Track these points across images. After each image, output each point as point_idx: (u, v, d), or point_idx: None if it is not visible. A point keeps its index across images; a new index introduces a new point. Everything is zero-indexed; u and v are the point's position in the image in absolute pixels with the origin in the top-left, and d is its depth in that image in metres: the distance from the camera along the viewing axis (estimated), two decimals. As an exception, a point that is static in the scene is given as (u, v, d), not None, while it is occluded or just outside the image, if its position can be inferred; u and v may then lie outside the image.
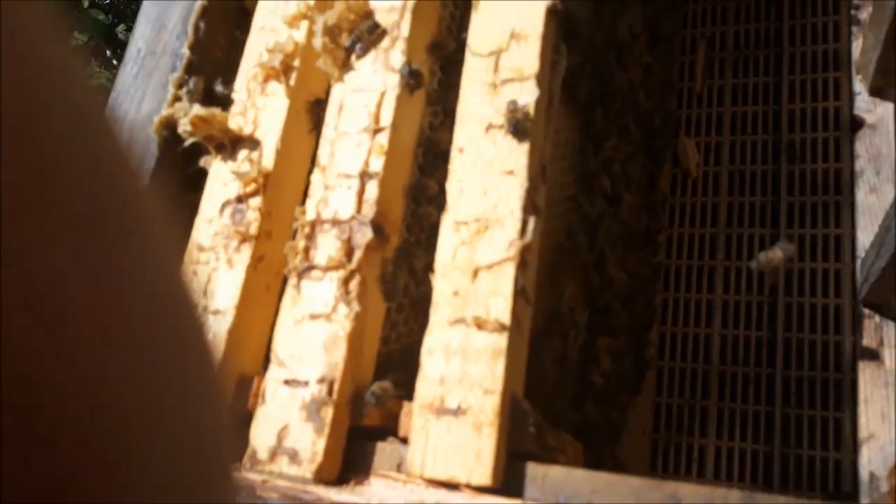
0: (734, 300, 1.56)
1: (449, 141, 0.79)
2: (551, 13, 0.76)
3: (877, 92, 1.43)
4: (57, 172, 0.16)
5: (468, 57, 0.78)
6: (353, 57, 0.82)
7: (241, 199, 0.80)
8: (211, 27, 0.88)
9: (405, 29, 0.81)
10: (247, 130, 0.83)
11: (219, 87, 0.85)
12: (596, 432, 0.96)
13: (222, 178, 0.82)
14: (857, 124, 1.47)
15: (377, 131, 0.78)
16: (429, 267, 0.75)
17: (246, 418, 0.73)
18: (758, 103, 1.73)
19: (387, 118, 0.78)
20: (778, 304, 1.53)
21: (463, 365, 0.65)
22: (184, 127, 0.80)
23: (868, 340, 1.24)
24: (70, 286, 0.16)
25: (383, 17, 0.82)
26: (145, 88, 0.86)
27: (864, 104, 1.45)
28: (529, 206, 0.69)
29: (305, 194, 0.82)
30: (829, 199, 1.61)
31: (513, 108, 0.71)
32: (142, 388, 0.18)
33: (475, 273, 0.68)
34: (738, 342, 1.53)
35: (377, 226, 0.74)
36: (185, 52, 0.85)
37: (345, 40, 0.81)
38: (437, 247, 0.71)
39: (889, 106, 1.43)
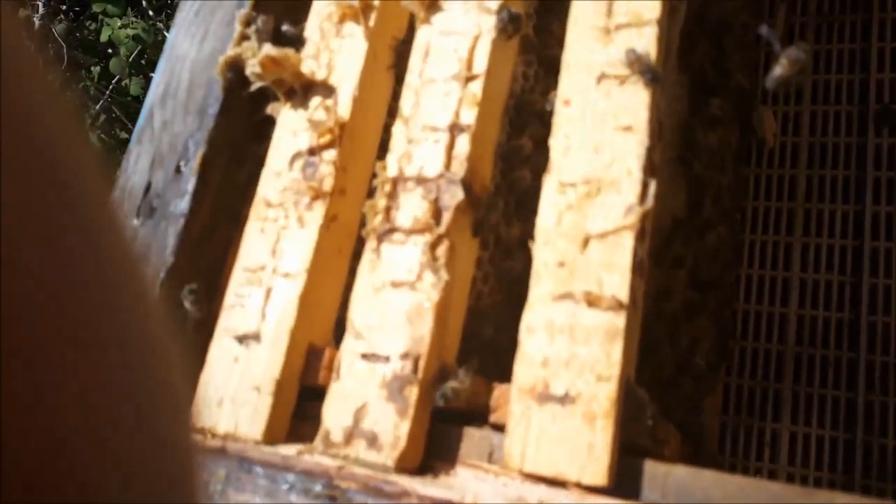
0: (813, 278, 1.46)
1: (543, 95, 0.70)
2: None
3: None
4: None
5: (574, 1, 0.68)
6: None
7: (313, 152, 0.72)
8: None
9: None
10: (320, 75, 0.74)
11: (288, 27, 0.77)
12: (683, 418, 0.87)
13: (292, 128, 0.74)
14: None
15: (469, 79, 0.69)
16: (520, 239, 0.67)
17: (317, 393, 0.66)
18: (842, 72, 1.59)
19: (481, 65, 0.69)
20: (862, 284, 1.42)
21: (570, 346, 0.57)
22: (252, 69, 0.72)
23: None
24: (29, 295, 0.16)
25: None
26: (208, 26, 0.78)
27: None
28: (649, 167, 0.60)
29: (382, 148, 0.74)
30: (919, 175, 1.49)
31: (632, 58, 0.62)
32: (100, 398, 0.18)
33: (585, 242, 0.59)
34: (816, 323, 1.42)
35: (468, 185, 0.65)
36: None
37: None
38: (539, 210, 0.62)
39: None
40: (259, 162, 0.75)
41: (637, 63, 0.62)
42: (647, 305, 0.69)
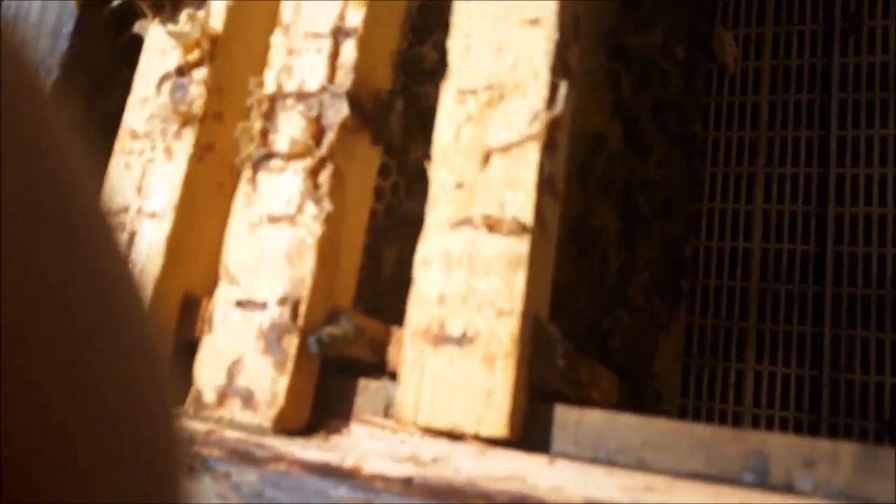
0: (777, 210, 1.38)
1: None
2: None
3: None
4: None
5: None
6: None
7: (181, 72, 0.62)
8: None
9: None
10: None
11: None
12: (629, 360, 0.80)
13: (160, 46, 0.64)
14: None
15: None
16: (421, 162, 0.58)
17: (193, 348, 0.57)
18: (806, -10, 1.49)
19: None
20: (828, 214, 1.35)
21: (469, 279, 0.48)
22: None
23: None
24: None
25: None
26: None
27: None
28: (559, 67, 0.51)
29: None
30: (887, 97, 1.40)
31: None
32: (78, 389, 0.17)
33: (486, 157, 0.50)
34: (780, 256, 1.35)
35: (355, 99, 0.56)
36: None
37: None
38: (436, 124, 0.53)
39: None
40: (128, 90, 0.65)
41: None
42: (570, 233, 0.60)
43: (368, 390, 0.53)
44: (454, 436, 0.47)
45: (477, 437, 0.46)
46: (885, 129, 1.33)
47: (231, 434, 0.49)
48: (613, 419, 0.45)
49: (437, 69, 0.65)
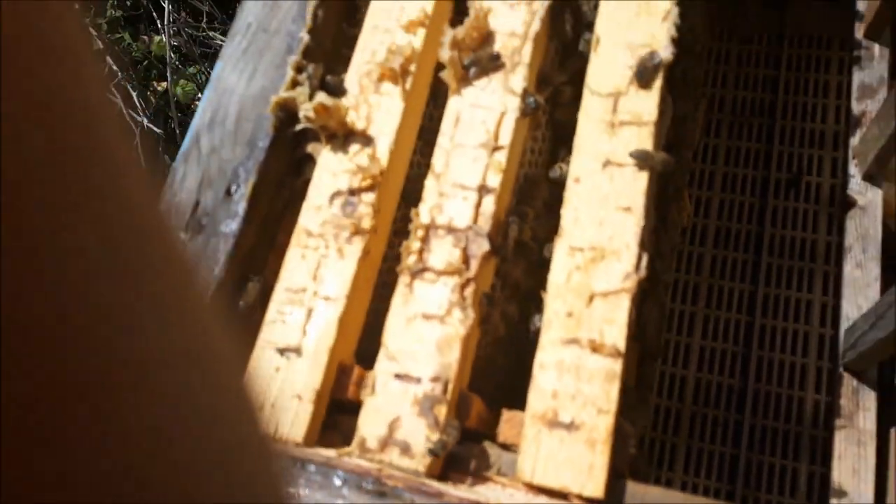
0: (710, 346, 1.67)
1: (544, 168, 0.84)
2: (667, 67, 0.82)
3: (869, 178, 1.57)
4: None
5: (586, 94, 0.83)
6: (472, 73, 0.85)
7: (353, 193, 0.82)
8: (327, 16, 0.90)
9: (526, 56, 0.85)
10: (360, 125, 0.85)
11: (330, 77, 0.87)
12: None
13: (332, 169, 0.84)
14: (849, 204, 1.60)
15: (496, 149, 0.82)
16: (515, 285, 0.80)
17: (344, 406, 0.75)
18: (748, 167, 1.86)
19: (505, 138, 0.82)
20: (751, 355, 1.65)
21: (576, 383, 0.70)
22: (305, 112, 0.82)
23: (845, 401, 1.35)
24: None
25: (504, 41, 0.86)
26: (256, 65, 0.87)
27: (857, 186, 1.59)
28: (644, 243, 0.74)
29: (402, 195, 0.85)
30: (804, 266, 1.75)
31: (634, 153, 0.77)
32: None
33: (591, 298, 0.73)
34: (710, 386, 1.63)
35: (492, 238, 0.77)
36: (304, 36, 0.86)
37: (465, 56, 0.85)
38: (552, 268, 0.75)
39: (878, 192, 1.57)
40: (294, 192, 0.84)
41: (637, 156, 0.77)
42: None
43: (484, 454, 0.72)
44: (561, 495, 0.67)
45: (580, 497, 0.66)
46: (800, 292, 1.65)
47: (398, 473, 0.67)
48: (668, 494, 0.67)
49: (534, 220, 0.87)
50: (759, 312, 1.69)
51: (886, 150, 1.47)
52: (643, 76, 0.81)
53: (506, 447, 0.72)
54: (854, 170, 1.61)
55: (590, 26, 0.90)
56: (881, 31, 1.74)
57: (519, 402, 0.73)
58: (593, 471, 0.66)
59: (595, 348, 0.71)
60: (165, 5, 2.05)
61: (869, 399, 1.31)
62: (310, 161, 0.86)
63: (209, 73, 0.95)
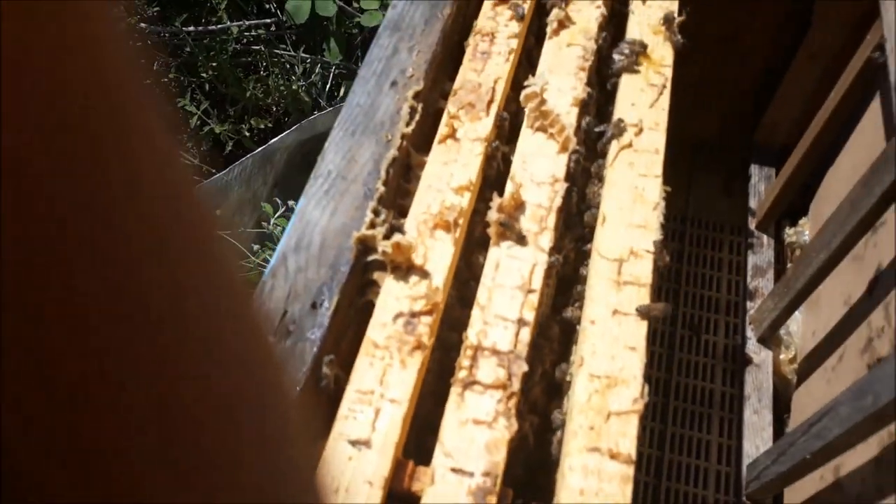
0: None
1: (550, 309, 1.06)
2: (660, 244, 1.09)
3: (763, 341, 1.91)
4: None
5: (596, 256, 1.07)
6: (509, 232, 1.08)
7: (413, 315, 1.00)
8: (394, 174, 1.12)
9: (551, 222, 1.10)
10: (418, 262, 1.05)
11: (394, 221, 1.07)
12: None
13: (395, 294, 1.02)
14: (746, 361, 1.92)
15: (529, 292, 1.03)
16: (535, 402, 1.00)
17: (402, 497, 0.90)
18: (657, 322, 2.18)
19: (537, 284, 1.04)
20: (661, 486, 1.89)
21: (598, 483, 0.89)
22: (383, 248, 1.01)
23: None
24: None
25: (533, 210, 1.11)
26: (337, 205, 1.06)
27: (753, 347, 1.92)
28: (645, 375, 0.97)
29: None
30: (703, 411, 2.05)
31: (641, 308, 1.01)
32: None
33: (608, 416, 0.93)
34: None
35: (529, 362, 0.98)
36: (381, 188, 1.07)
37: (505, 218, 1.08)
38: (574, 390, 0.96)
39: (770, 353, 1.90)
40: (356, 308, 1.02)
41: (641, 310, 1.01)
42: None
43: None
44: None
45: None
46: (721, 437, 1.93)
47: None
48: None
49: (553, 347, 1.09)
50: (668, 448, 1.95)
51: (778, 320, 1.81)
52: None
53: None
54: (750, 333, 1.95)
55: (595, 206, 1.17)
56: (768, 226, 2.15)
57: (531, 494, 0.92)
58: None
59: (612, 456, 0.91)
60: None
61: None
62: (372, 286, 1.04)
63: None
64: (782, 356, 1.95)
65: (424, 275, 1.05)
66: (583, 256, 1.17)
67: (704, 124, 2.37)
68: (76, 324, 0.15)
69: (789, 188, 2.04)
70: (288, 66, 3.23)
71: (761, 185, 2.23)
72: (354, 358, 0.97)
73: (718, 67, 2.26)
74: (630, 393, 0.96)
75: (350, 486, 0.88)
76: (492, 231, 1.08)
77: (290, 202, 2.57)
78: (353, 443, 0.91)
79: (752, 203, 2.19)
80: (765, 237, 2.16)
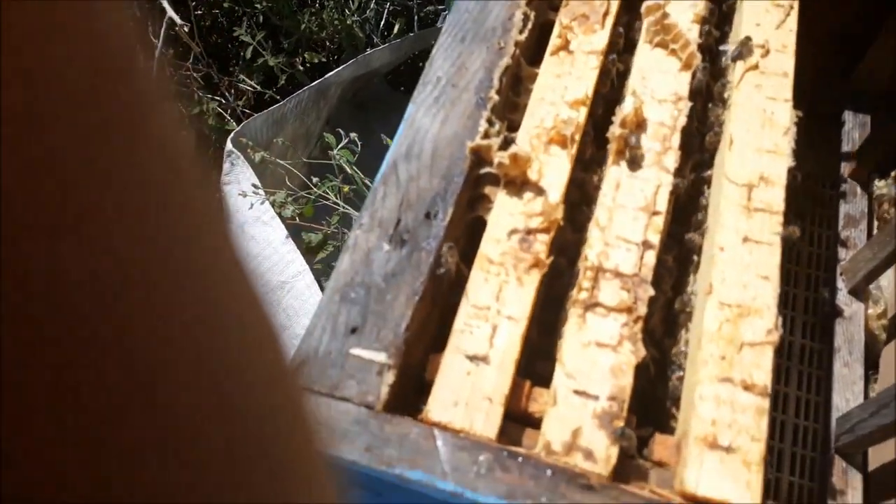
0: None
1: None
2: (791, 170, 1.00)
3: (854, 293, 1.82)
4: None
5: (724, 181, 1.00)
6: (632, 149, 1.01)
7: (529, 232, 0.94)
8: (505, 84, 1.05)
9: (675, 142, 1.02)
10: (533, 178, 0.98)
11: (505, 134, 1.00)
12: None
13: (508, 209, 0.96)
14: (837, 313, 1.83)
15: (654, 213, 0.96)
16: (653, 330, 0.93)
17: (518, 417, 0.85)
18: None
19: (662, 206, 0.97)
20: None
21: (731, 414, 0.83)
22: (500, 159, 0.95)
23: (836, 480, 1.54)
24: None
25: (655, 129, 1.03)
26: (448, 113, 1.00)
27: (844, 298, 1.83)
28: (780, 306, 0.90)
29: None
30: (782, 363, 1.96)
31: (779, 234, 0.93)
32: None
33: (740, 347, 0.87)
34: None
35: (655, 284, 0.91)
36: (495, 97, 1.00)
37: (627, 134, 1.01)
38: (705, 317, 0.89)
39: (861, 305, 1.81)
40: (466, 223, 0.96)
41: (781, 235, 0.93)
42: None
43: (640, 468, 0.83)
44: None
45: None
46: (786, 387, 1.85)
47: (592, 473, 0.78)
48: None
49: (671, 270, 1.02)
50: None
51: (875, 271, 1.72)
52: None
53: (658, 464, 0.84)
54: (841, 284, 1.85)
55: (716, 128, 1.08)
56: (861, 175, 2.04)
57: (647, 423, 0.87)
58: (750, 486, 0.79)
59: (747, 387, 0.84)
60: None
61: (856, 479, 1.50)
62: (483, 200, 0.98)
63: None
64: (870, 311, 1.86)
65: (539, 191, 0.98)
66: (700, 182, 1.09)
67: (797, 69, 2.24)
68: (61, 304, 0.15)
69: (886, 135, 1.92)
70: (343, 0, 3.15)
71: (855, 133, 2.11)
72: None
73: (814, 10, 2.13)
74: (764, 324, 0.89)
75: (469, 402, 0.83)
76: (612, 148, 1.01)
77: (353, 134, 2.51)
78: (471, 358, 0.86)
79: (846, 149, 2.07)
80: (857, 186, 2.05)
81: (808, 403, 1.94)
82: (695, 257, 1.04)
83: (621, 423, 0.82)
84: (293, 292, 2.01)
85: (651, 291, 0.90)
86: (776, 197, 0.98)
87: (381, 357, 0.85)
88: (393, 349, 0.85)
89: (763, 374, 0.85)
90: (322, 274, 1.95)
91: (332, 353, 0.85)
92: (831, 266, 1.97)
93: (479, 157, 0.97)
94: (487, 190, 0.99)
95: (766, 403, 0.83)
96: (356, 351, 0.86)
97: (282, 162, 2.40)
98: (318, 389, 0.83)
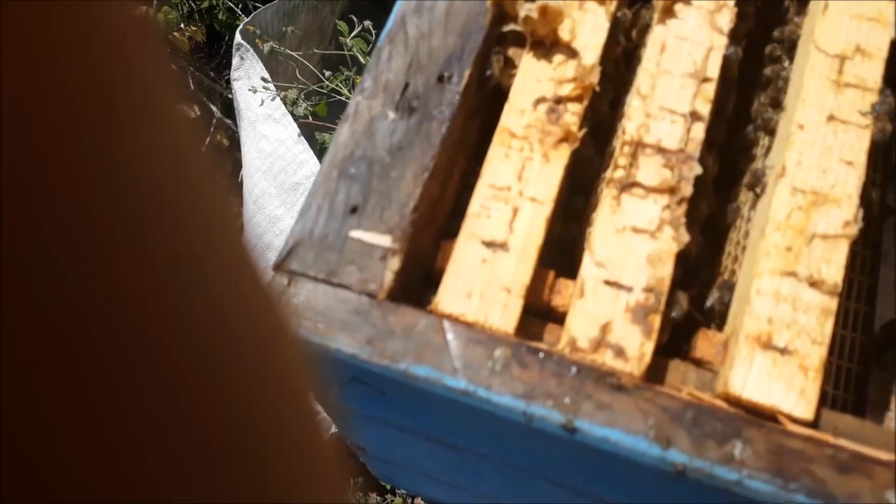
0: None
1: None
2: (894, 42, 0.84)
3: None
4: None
5: (813, 50, 0.83)
6: (677, 6, 0.86)
7: (559, 101, 0.80)
8: None
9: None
10: (564, 38, 0.84)
11: None
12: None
13: (535, 75, 0.82)
14: (888, 212, 1.68)
15: (705, 80, 0.82)
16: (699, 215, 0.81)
17: (539, 311, 0.74)
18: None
19: (713, 72, 0.83)
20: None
21: (792, 313, 0.71)
22: (527, 12, 0.80)
23: (876, 392, 1.43)
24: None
25: None
26: None
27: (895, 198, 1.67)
28: (863, 197, 0.76)
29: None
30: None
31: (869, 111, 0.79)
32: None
33: (810, 238, 0.74)
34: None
35: (704, 164, 0.78)
36: None
37: None
38: (772, 204, 0.76)
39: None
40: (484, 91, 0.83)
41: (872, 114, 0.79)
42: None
43: (678, 369, 0.73)
44: (768, 412, 0.68)
45: (790, 417, 0.67)
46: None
47: (623, 372, 0.67)
48: (863, 423, 0.69)
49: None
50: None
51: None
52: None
53: (699, 363, 0.73)
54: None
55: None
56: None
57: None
58: (805, 394, 0.68)
59: (813, 283, 0.72)
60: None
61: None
62: (505, 64, 0.84)
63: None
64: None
65: (572, 53, 0.84)
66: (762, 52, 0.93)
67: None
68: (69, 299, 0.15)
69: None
70: None
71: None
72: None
73: None
74: (842, 214, 0.75)
75: (485, 293, 0.72)
76: (656, 4, 0.85)
77: (367, 21, 2.34)
78: (488, 244, 0.74)
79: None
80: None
81: (852, 313, 1.80)
82: (760, 137, 0.89)
83: (657, 318, 0.71)
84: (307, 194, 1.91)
85: (698, 169, 0.77)
86: (873, 72, 0.83)
87: (384, 240, 0.74)
88: (398, 232, 0.74)
89: (834, 270, 0.73)
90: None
91: (329, 236, 0.75)
92: (884, 166, 1.79)
93: (502, 11, 0.83)
94: (511, 52, 0.84)
95: (833, 304, 0.71)
96: (356, 233, 0.75)
97: (293, 53, 2.24)
98: (313, 275, 0.73)
